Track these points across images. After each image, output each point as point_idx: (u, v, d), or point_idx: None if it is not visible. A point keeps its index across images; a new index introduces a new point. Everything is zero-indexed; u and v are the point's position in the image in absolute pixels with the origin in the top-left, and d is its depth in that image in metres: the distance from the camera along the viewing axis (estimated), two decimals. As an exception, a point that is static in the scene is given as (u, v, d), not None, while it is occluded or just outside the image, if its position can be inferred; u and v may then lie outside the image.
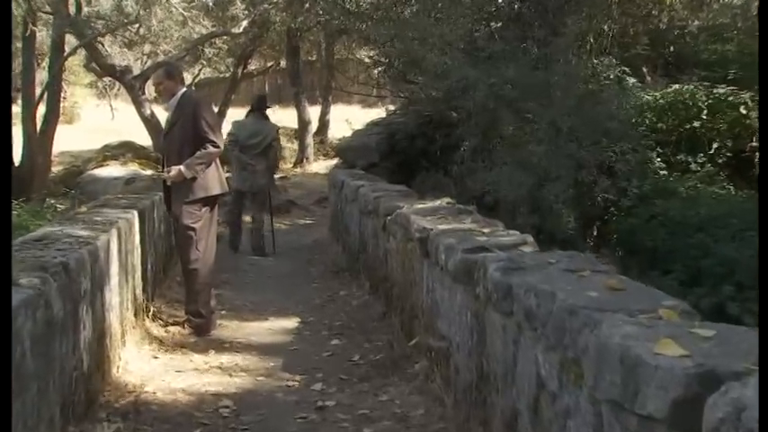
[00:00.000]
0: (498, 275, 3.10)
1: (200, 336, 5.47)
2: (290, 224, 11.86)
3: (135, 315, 5.22)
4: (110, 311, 4.33)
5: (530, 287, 2.79)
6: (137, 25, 17.51)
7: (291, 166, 17.06)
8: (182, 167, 5.50)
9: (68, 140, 22.06)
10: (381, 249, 6.22)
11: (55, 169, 18.83)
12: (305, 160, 16.84)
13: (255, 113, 9.23)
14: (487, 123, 8.17)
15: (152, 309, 5.61)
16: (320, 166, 17.06)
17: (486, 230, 4.19)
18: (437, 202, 5.74)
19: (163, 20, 17.18)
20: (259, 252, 9.10)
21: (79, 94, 27.92)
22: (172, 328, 5.49)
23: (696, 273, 7.94)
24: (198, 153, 5.54)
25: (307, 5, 14.46)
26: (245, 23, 17.19)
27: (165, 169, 5.60)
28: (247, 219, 9.56)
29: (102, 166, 14.88)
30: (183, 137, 5.58)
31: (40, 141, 12.97)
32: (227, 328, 5.78)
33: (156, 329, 5.47)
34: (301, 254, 9.34)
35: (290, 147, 17.97)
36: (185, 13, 17.30)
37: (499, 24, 8.38)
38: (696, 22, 12.69)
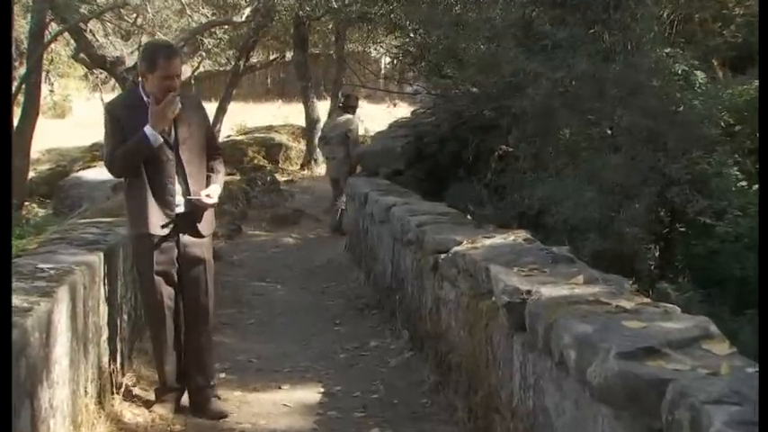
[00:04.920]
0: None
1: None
2: (299, 237, 10.38)
3: (100, 396, 3.77)
4: (49, 418, 2.87)
5: None
6: (134, 15, 16.11)
7: (298, 167, 15.56)
8: (217, 188, 4.17)
9: (58, 136, 20.64)
10: (429, 295, 4.76)
11: (41, 168, 17.42)
12: (313, 162, 15.33)
13: (339, 109, 10.89)
14: (546, 127, 6.70)
15: (125, 382, 4.14)
16: (330, 167, 15.57)
17: (626, 304, 2.72)
18: (510, 237, 4.28)
19: (160, 10, 15.77)
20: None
21: (72, 86, 26.47)
22: (151, 411, 4.01)
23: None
24: (220, 168, 4.30)
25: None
26: (247, 11, 15.74)
27: (197, 195, 4.04)
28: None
29: (88, 167, 13.43)
30: (200, 148, 4.14)
31: (17, 141, 11.46)
32: (228, 402, 4.32)
33: (130, 411, 4.00)
34: (315, 279, 7.88)
35: (296, 146, 16.47)
36: (183, 0, 15.83)
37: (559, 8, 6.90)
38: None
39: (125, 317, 4.54)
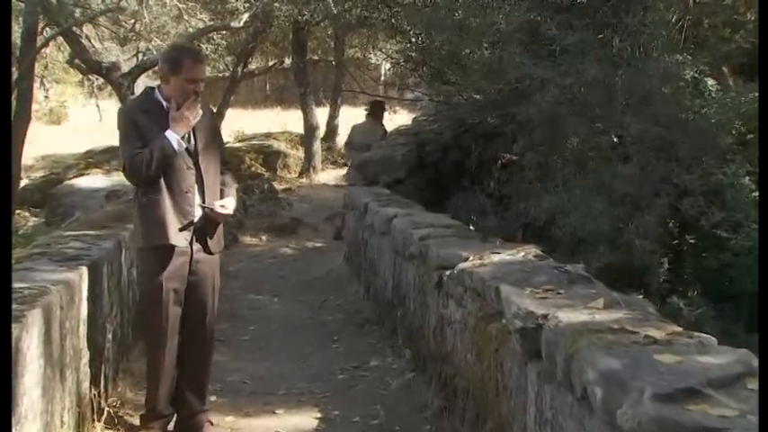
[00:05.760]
0: None
1: None
2: (296, 248, 10.09)
3: (79, 426, 3.50)
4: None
5: None
6: (131, 21, 15.87)
7: (296, 175, 15.28)
8: (232, 201, 4.01)
9: (54, 143, 20.38)
10: (433, 314, 4.49)
11: (35, 175, 17.15)
12: (312, 169, 15.06)
13: (369, 117, 10.28)
14: (553, 135, 6.45)
15: (106, 408, 3.87)
16: (328, 176, 15.29)
17: (656, 333, 2.45)
18: (520, 254, 4.02)
19: (158, 16, 15.53)
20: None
21: (69, 92, 26.22)
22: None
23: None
24: (232, 182, 4.11)
25: (316, -5, 12.75)
26: (245, 17, 15.49)
27: (211, 204, 3.84)
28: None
29: (82, 174, 13.16)
30: (215, 160, 3.96)
31: (9, 147, 11.21)
32: (219, 428, 4.05)
33: (113, 441, 3.73)
34: (313, 292, 7.59)
35: (294, 154, 16.19)
36: (180, 5, 15.58)
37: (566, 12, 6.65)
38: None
39: (109, 336, 4.28)
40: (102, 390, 3.97)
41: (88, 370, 3.74)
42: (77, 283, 3.54)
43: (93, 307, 3.83)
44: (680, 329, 2.54)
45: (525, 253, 4.00)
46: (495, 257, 3.97)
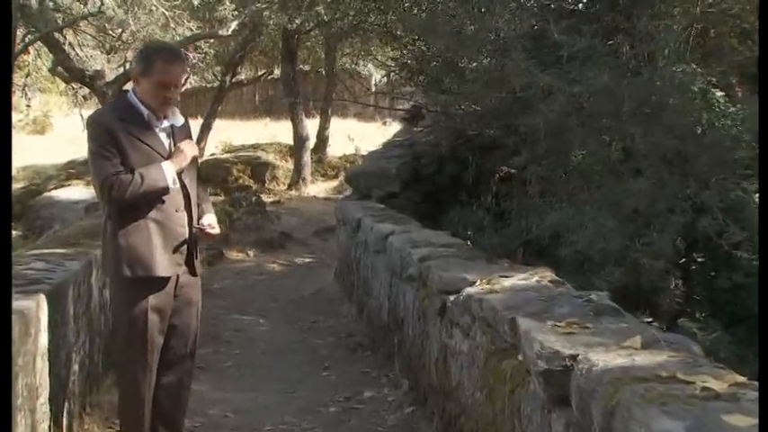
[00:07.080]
0: None
1: None
2: (285, 263, 9.67)
3: (33, 475, 3.05)
4: None
5: None
6: (118, 30, 15.48)
7: (286, 188, 14.84)
8: (215, 218, 3.64)
9: (37, 153, 19.90)
10: (435, 343, 4.08)
11: (15, 186, 16.66)
12: (301, 181, 14.63)
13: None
14: (558, 147, 6.07)
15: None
16: (318, 188, 14.88)
17: (715, 384, 2.04)
18: (533, 279, 3.61)
19: (145, 24, 15.13)
20: None
21: (54, 101, 25.74)
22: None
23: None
24: (206, 197, 3.77)
25: (306, 3, 12.40)
26: (234, 25, 15.11)
27: (200, 223, 3.50)
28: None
29: (62, 186, 12.71)
30: (195, 174, 3.59)
31: (-15, 157, 10.75)
32: (195, 472, 3.61)
33: (75, 489, 3.29)
34: (302, 312, 7.16)
35: (283, 165, 15.75)
36: (168, 13, 15.19)
37: (572, 17, 6.29)
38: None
39: (75, 368, 3.84)
40: (66, 429, 3.53)
41: (47, 409, 3.30)
42: (34, 312, 3.11)
43: (54, 337, 3.40)
44: (742, 379, 2.13)
45: (539, 277, 3.60)
46: (506, 282, 3.57)
